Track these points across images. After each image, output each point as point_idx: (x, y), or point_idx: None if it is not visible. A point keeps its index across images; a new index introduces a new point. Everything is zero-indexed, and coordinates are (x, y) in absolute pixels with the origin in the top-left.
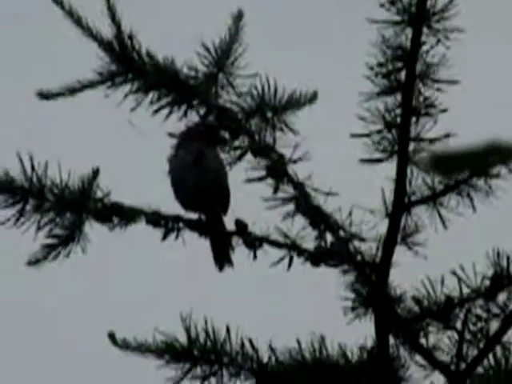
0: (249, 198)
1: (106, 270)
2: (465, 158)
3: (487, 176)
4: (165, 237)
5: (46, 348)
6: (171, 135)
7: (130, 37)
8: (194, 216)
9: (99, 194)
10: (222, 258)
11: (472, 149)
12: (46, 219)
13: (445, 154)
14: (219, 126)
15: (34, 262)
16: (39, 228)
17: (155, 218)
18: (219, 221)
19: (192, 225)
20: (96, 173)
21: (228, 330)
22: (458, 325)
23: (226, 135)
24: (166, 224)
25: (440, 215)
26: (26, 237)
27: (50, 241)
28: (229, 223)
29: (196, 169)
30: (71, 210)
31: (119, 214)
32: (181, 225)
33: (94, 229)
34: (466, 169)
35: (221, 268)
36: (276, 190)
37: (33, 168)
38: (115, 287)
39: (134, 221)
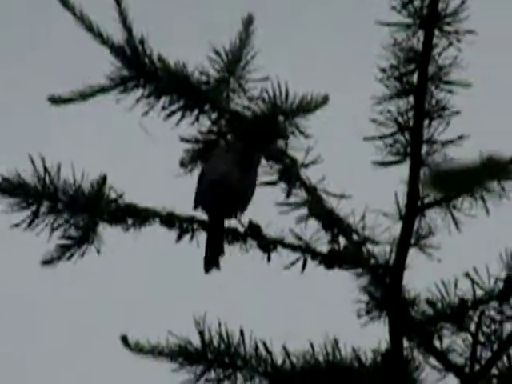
0: (262, 201)
1: (119, 272)
2: (462, 175)
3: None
4: (179, 238)
5: (58, 350)
6: (183, 139)
7: (142, 42)
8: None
9: (113, 196)
10: (212, 261)
11: (469, 166)
12: (59, 221)
13: (443, 172)
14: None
15: (48, 262)
16: (53, 230)
17: (170, 219)
18: (222, 224)
19: (206, 226)
20: (104, 179)
21: (242, 333)
22: (472, 327)
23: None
24: (180, 225)
25: (453, 217)
26: (41, 238)
27: (64, 241)
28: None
29: (240, 175)
30: (85, 211)
31: (133, 215)
32: (195, 226)
33: (107, 230)
34: (465, 185)
35: (207, 270)
36: (289, 194)
37: (45, 170)
38: (128, 289)
39: (148, 222)
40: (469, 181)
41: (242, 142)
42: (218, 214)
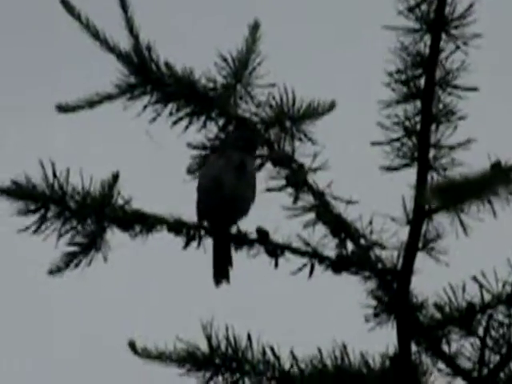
0: (270, 206)
1: (127, 277)
2: (465, 187)
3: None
4: (187, 245)
5: (67, 357)
6: (191, 146)
7: (149, 48)
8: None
9: (120, 202)
10: (221, 274)
11: (471, 178)
12: (67, 226)
13: (446, 185)
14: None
15: (55, 271)
16: (60, 235)
17: (177, 226)
18: (227, 235)
19: (213, 232)
20: (116, 177)
21: (249, 338)
22: (480, 331)
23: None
24: (187, 232)
25: (461, 221)
26: (48, 244)
27: (71, 248)
28: (250, 231)
29: (236, 178)
30: (92, 217)
31: (141, 222)
32: (202, 233)
33: (115, 236)
34: (468, 197)
35: (217, 283)
36: (296, 199)
37: (54, 175)
38: (136, 295)
39: (155, 228)
40: (472, 191)
41: (232, 148)
42: (218, 222)
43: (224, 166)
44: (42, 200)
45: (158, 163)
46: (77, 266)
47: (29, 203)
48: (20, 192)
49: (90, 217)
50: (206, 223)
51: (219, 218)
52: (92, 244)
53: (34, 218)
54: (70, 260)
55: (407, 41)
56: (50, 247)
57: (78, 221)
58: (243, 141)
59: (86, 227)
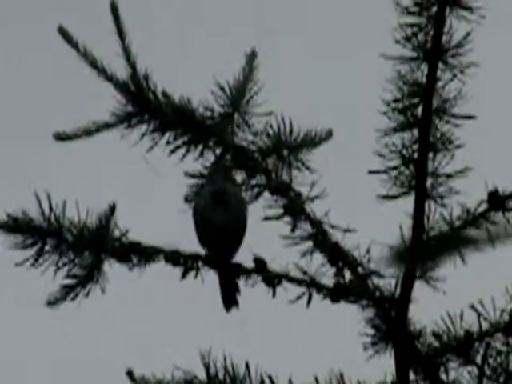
0: (267, 235)
1: (124, 306)
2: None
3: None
4: (184, 275)
5: None
6: (188, 175)
7: (146, 77)
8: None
9: (117, 233)
10: (230, 300)
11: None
12: (64, 259)
13: (404, 249)
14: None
15: (52, 302)
16: (58, 268)
17: (174, 257)
18: (228, 261)
19: (211, 263)
20: (113, 208)
21: (247, 367)
22: (478, 359)
23: (243, 174)
24: (185, 262)
25: (459, 250)
26: (45, 277)
27: (68, 281)
28: (247, 261)
29: (218, 209)
30: (90, 249)
31: (138, 253)
32: (200, 263)
33: (113, 268)
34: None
35: (228, 309)
36: (294, 227)
37: (51, 208)
38: (134, 324)
39: (153, 259)
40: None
41: (208, 184)
42: (219, 253)
43: (204, 205)
44: (39, 233)
45: (155, 192)
46: (74, 297)
47: (26, 237)
48: (17, 226)
49: (87, 249)
50: (209, 253)
51: (219, 251)
52: (90, 276)
53: (32, 251)
54: (67, 292)
55: (404, 69)
56: (47, 280)
57: (76, 253)
58: (210, 172)
59: (83, 259)
